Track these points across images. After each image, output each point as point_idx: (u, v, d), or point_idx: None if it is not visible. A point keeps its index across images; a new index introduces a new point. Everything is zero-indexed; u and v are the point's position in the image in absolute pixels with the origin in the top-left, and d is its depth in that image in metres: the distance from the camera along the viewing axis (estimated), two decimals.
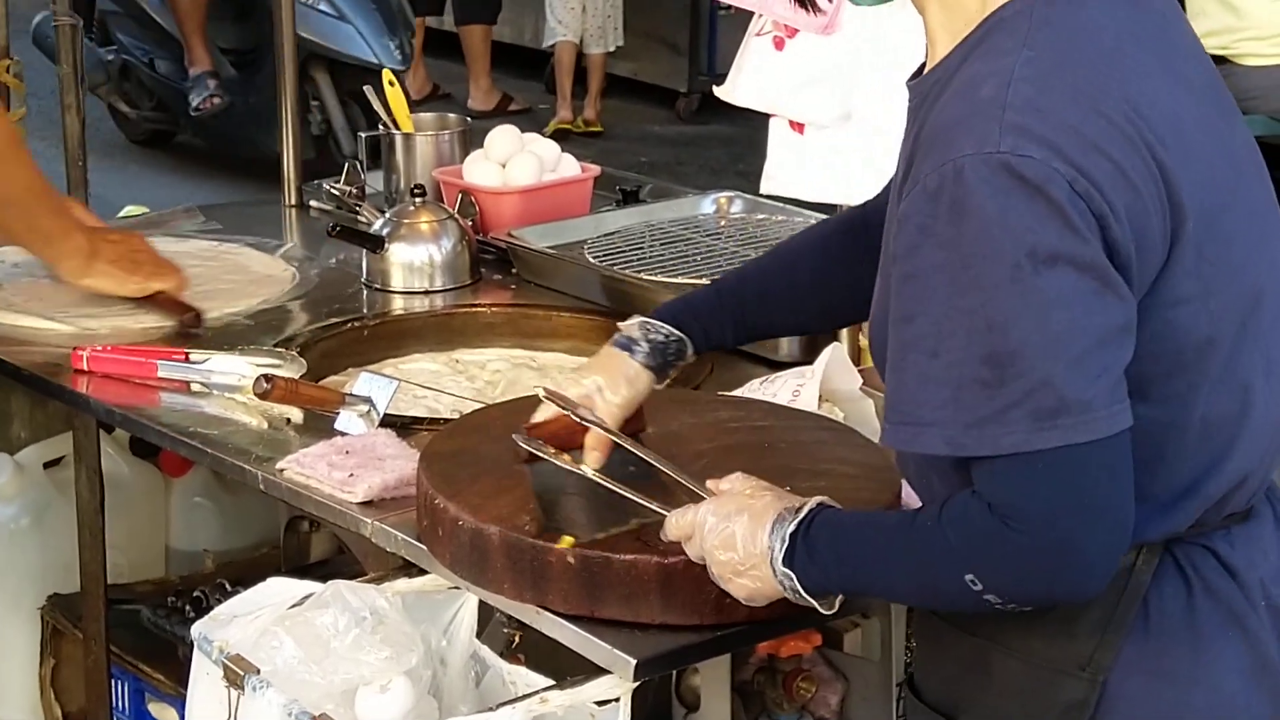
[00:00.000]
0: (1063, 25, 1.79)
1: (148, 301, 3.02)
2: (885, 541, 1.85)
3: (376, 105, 3.52)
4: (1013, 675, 1.90)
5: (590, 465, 2.12)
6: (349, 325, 3.01)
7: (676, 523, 1.97)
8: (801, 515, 1.87)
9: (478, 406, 2.62)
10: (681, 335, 2.22)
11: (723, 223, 3.34)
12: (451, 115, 3.71)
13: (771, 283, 2.29)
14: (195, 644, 2.26)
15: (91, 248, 2.99)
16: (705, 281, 2.97)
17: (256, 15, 7.74)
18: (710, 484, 2.01)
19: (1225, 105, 1.92)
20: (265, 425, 2.60)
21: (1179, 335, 1.80)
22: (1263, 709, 1.91)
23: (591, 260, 3.12)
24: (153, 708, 3.24)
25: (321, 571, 2.98)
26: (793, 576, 1.86)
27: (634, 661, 2.00)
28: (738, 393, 2.59)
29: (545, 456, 2.11)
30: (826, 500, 1.90)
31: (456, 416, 2.58)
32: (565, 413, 2.14)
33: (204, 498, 3.52)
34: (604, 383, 2.18)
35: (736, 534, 1.90)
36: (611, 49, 9.59)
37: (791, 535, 1.86)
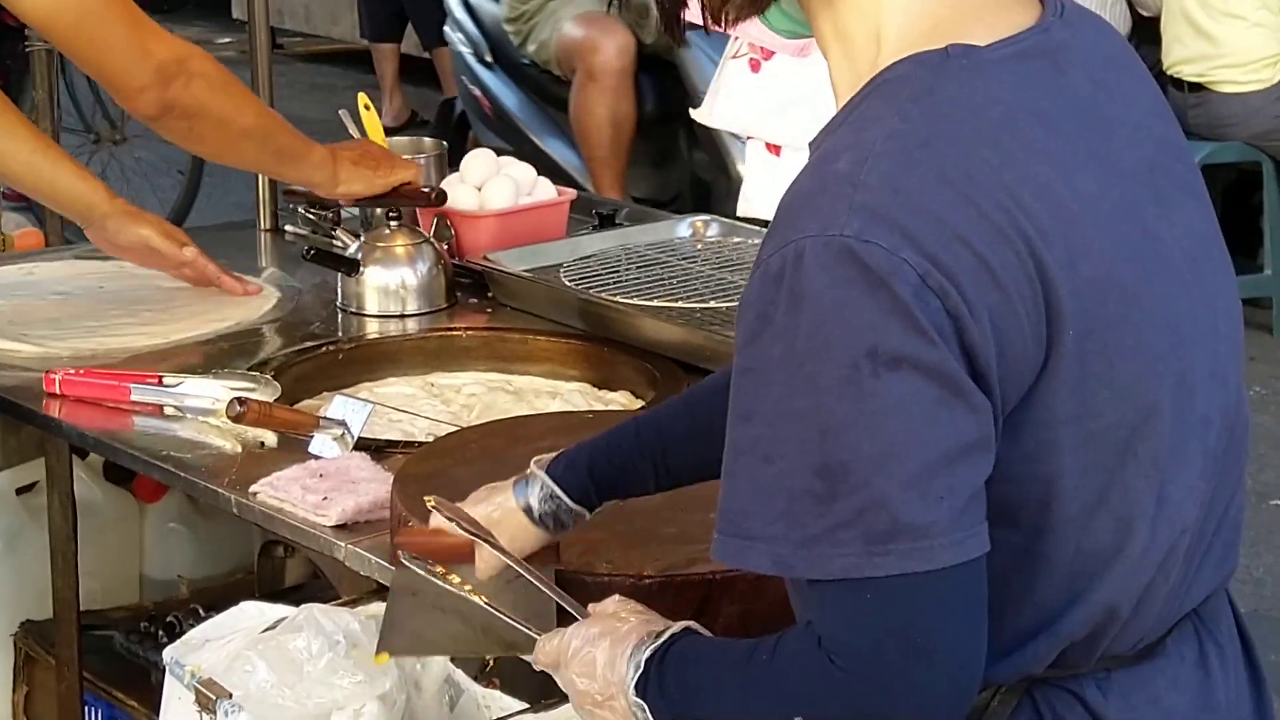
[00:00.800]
0: (947, 95, 1.57)
1: (393, 195, 3.12)
2: (726, 676, 1.64)
3: (351, 129, 3.51)
4: None
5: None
6: (324, 349, 2.99)
7: (543, 648, 1.79)
8: (660, 641, 1.68)
9: (452, 430, 2.61)
10: (582, 510, 1.98)
11: (699, 246, 3.33)
12: (427, 139, 3.70)
13: (682, 425, 2.00)
14: (167, 668, 2.25)
15: (334, 155, 3.08)
16: (681, 305, 2.96)
17: (680, 159, 6.74)
18: (591, 606, 1.82)
19: (1168, 191, 1.67)
20: (239, 449, 2.59)
21: (1055, 459, 1.57)
22: None
23: (568, 284, 3.10)
24: None
25: (296, 596, 2.97)
26: (645, 708, 1.66)
27: None
28: None
29: (432, 578, 1.93)
30: (693, 625, 1.71)
31: (431, 440, 2.57)
32: (452, 523, 1.98)
33: (178, 523, 3.51)
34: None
35: (597, 660, 1.71)
36: None
37: (647, 661, 1.67)
